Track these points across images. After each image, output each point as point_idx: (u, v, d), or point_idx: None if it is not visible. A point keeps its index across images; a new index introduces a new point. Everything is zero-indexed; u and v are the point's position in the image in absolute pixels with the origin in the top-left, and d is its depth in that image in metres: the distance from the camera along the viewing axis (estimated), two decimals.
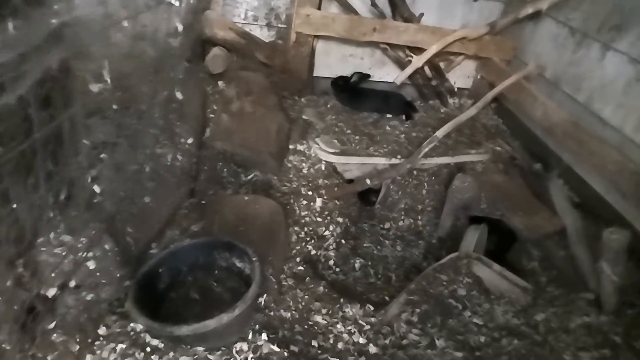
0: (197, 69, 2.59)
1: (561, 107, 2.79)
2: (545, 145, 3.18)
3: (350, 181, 2.94)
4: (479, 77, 3.72)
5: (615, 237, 1.77)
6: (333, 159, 2.79)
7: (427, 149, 2.80)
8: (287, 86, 3.18)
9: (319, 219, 2.42)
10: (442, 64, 3.61)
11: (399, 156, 2.93)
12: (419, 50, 3.33)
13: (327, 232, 2.38)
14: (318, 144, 2.86)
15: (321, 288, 1.87)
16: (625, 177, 2.24)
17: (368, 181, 2.67)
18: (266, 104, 2.61)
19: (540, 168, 3.17)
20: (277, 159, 2.50)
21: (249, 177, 2.47)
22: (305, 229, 2.31)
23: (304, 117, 3.18)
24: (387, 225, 2.83)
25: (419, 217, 2.89)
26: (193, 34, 2.39)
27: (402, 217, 2.89)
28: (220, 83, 2.74)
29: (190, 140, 2.04)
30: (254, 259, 1.52)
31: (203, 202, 2.19)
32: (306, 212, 2.42)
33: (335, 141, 2.94)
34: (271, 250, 1.89)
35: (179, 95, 1.99)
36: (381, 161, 2.87)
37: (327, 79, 3.59)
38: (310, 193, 2.55)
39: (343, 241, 2.39)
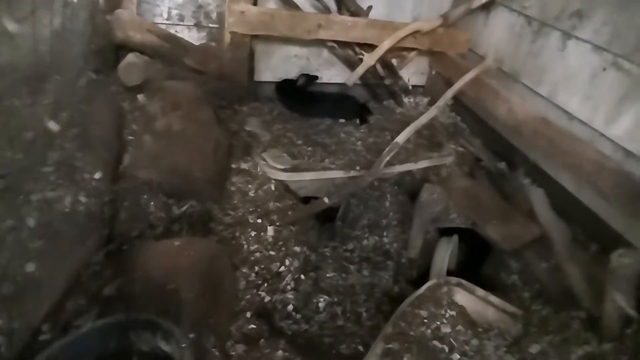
0: (108, 82, 2.09)
1: (526, 103, 2.56)
2: (509, 143, 2.96)
3: (306, 200, 2.56)
4: (433, 72, 3.46)
5: (627, 261, 1.51)
6: (283, 176, 2.39)
7: (388, 158, 2.47)
8: (225, 95, 2.74)
9: (272, 253, 2.02)
10: (394, 61, 3.31)
11: (357, 167, 2.58)
12: (369, 47, 3.00)
13: (282, 268, 1.98)
14: (265, 160, 2.46)
15: (280, 352, 1.48)
16: (604, 177, 2.03)
17: (326, 200, 2.30)
18: (199, 118, 2.16)
19: (505, 167, 2.95)
20: (216, 184, 2.07)
21: (183, 208, 2.02)
22: (257, 268, 1.91)
23: (246, 128, 2.76)
24: (350, 246, 2.48)
25: (385, 234, 2.56)
26: (98, 37, 1.90)
27: (366, 235, 2.54)
28: (140, 97, 2.25)
29: (98, 175, 1.57)
30: (182, 342, 1.10)
31: (124, 248, 1.72)
32: (256, 246, 2.01)
33: (285, 155, 2.55)
34: (213, 309, 1.47)
35: (80, 116, 1.51)
36: (339, 174, 2.52)
37: (271, 83, 3.18)
38: (259, 221, 2.14)
39: (302, 276, 2.00)
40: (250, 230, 2.07)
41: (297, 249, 2.16)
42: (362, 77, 3.27)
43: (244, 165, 2.40)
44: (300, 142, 2.72)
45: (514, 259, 2.31)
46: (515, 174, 2.86)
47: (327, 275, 2.18)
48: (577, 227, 2.33)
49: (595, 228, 2.33)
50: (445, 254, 2.38)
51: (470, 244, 2.57)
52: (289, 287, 1.90)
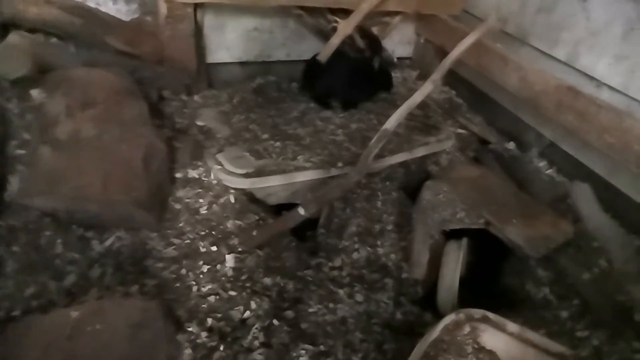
0: None
1: (544, 70, 2.02)
2: (518, 119, 2.44)
3: (279, 208, 2.01)
4: (422, 41, 2.89)
5: None
6: (245, 184, 1.83)
7: (377, 149, 1.92)
8: (167, 83, 2.14)
9: (232, 293, 1.47)
10: (375, 29, 2.72)
11: (340, 163, 2.03)
12: (344, 14, 2.41)
13: (248, 314, 1.44)
14: (221, 165, 1.88)
15: None
16: None
17: (302, 211, 1.75)
18: (121, 118, 1.57)
19: (514, 148, 2.44)
20: (151, 205, 1.50)
21: (107, 243, 1.44)
22: (210, 320, 1.36)
23: (199, 123, 2.16)
24: (337, 263, 1.94)
25: (379, 243, 2.03)
26: None
27: (357, 246, 2.02)
28: (34, 93, 1.63)
29: None
30: None
31: (11, 320, 1.15)
32: (210, 286, 1.46)
33: (247, 155, 1.97)
34: None
35: None
36: (317, 175, 1.96)
37: (228, 65, 2.57)
38: (214, 249, 1.59)
39: (276, 321, 1.46)
40: (201, 263, 1.52)
41: (268, 280, 1.61)
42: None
43: (192, 173, 1.83)
44: (266, 136, 2.14)
45: (542, 266, 1.82)
46: (528, 155, 2.35)
47: (310, 310, 1.64)
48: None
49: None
50: (455, 264, 1.87)
51: (482, 243, 2.07)
52: (257, 343, 1.36)
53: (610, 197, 1.97)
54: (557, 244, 1.72)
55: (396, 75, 2.89)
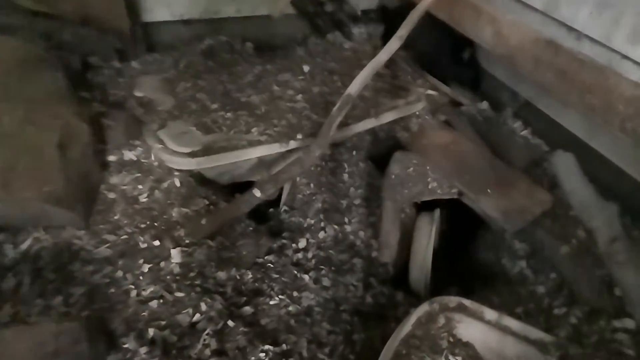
0: None
1: (519, 22, 1.81)
2: (492, 77, 2.26)
3: (234, 188, 1.80)
4: None
5: None
6: (191, 164, 1.59)
7: (340, 117, 1.70)
8: (95, 47, 1.81)
9: (179, 294, 1.28)
10: None
11: (299, 135, 1.80)
12: None
13: (198, 316, 1.26)
14: (163, 143, 1.63)
15: None
16: None
17: (257, 193, 1.55)
18: (27, 94, 1.28)
19: (488, 108, 2.27)
20: (72, 200, 1.25)
21: (23, 247, 1.20)
22: (152, 331, 1.17)
23: (137, 94, 1.87)
24: (302, 244, 1.78)
25: (346, 219, 1.87)
26: None
27: (323, 224, 1.85)
28: None
29: None
30: None
31: None
32: (152, 289, 1.26)
33: (194, 129, 1.72)
34: None
35: None
36: (273, 150, 1.74)
37: (170, 24, 2.24)
38: (157, 243, 1.38)
39: (231, 322, 1.29)
40: (141, 262, 1.31)
41: (222, 274, 1.43)
42: (296, 5, 2.39)
43: (129, 155, 1.57)
44: (216, 105, 1.88)
45: (519, 238, 1.70)
46: (503, 116, 2.20)
47: (271, 302, 1.48)
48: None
49: (618, 184, 1.74)
50: (427, 240, 1.74)
51: (456, 211, 1.94)
52: (208, 352, 1.19)
53: (589, 160, 1.85)
54: (534, 216, 1.59)
55: (361, 30, 2.61)
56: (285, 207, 1.92)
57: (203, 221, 1.46)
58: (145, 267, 1.30)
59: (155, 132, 1.66)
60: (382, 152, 2.14)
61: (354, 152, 2.04)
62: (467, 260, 1.93)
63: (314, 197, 1.92)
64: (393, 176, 1.63)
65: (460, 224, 1.97)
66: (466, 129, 2.05)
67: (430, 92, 2.23)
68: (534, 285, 1.59)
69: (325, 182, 1.95)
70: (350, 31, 2.59)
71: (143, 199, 1.48)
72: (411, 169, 1.62)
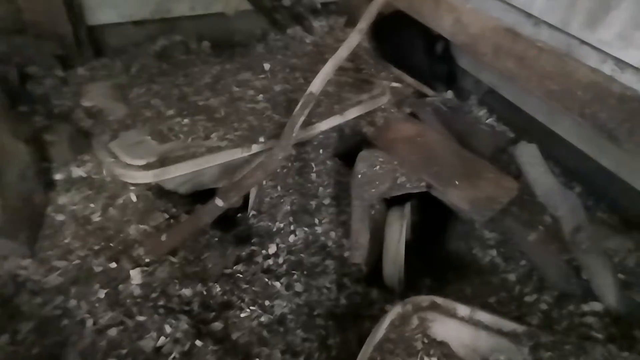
0: None
1: (478, 10, 1.78)
2: (455, 65, 2.24)
3: (196, 197, 1.71)
4: None
5: None
6: (147, 177, 1.49)
7: (303, 117, 1.64)
8: (32, 56, 1.67)
9: (140, 318, 1.21)
10: None
11: (262, 138, 1.73)
12: None
13: (163, 340, 1.19)
14: (115, 156, 1.52)
15: None
16: (610, 107, 1.37)
17: (220, 202, 1.47)
18: None
19: (453, 97, 2.25)
20: (11, 227, 1.14)
21: None
22: None
23: (84, 103, 1.75)
24: (272, 249, 1.72)
25: (316, 220, 1.83)
26: None
27: (292, 227, 1.80)
28: None
29: None
30: None
31: None
32: (110, 315, 1.18)
33: (149, 139, 1.62)
34: None
35: None
36: (234, 156, 1.66)
37: (119, 26, 2.11)
38: (114, 265, 1.29)
39: (199, 342, 1.22)
40: (97, 287, 1.22)
41: (187, 291, 1.35)
42: (251, 0, 2.30)
43: (78, 172, 1.47)
44: (172, 111, 1.78)
45: (489, 227, 1.70)
46: (468, 104, 2.18)
47: (242, 315, 1.42)
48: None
49: (581, 167, 1.76)
50: (399, 235, 1.71)
51: (427, 202, 1.93)
52: None
53: (551, 144, 1.86)
54: (502, 205, 1.58)
55: (322, 23, 2.54)
56: (253, 212, 1.86)
57: (163, 237, 1.38)
58: (102, 293, 1.21)
59: (106, 145, 1.55)
60: (350, 148, 2.09)
61: (321, 151, 1.99)
62: (440, 251, 1.92)
63: (281, 200, 1.86)
64: (359, 175, 1.58)
65: (432, 213, 1.95)
66: (432, 120, 2.02)
67: (394, 84, 2.19)
68: (505, 274, 1.59)
69: (292, 183, 1.89)
70: (311, 25, 2.51)
71: (96, 218, 1.38)
72: (377, 167, 1.57)
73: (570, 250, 1.33)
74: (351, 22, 2.53)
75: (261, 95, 1.97)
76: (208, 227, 1.56)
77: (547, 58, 1.52)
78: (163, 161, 1.53)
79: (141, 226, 1.39)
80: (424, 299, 1.24)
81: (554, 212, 1.32)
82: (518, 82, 1.61)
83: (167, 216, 1.47)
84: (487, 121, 2.11)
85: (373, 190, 1.57)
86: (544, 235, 1.51)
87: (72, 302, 1.18)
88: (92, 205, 1.40)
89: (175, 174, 1.53)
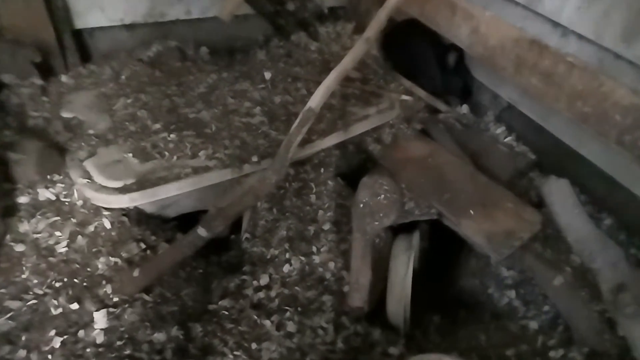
0: None
1: (498, 18, 1.57)
2: (471, 77, 2.03)
3: (181, 225, 1.53)
4: None
5: None
6: (123, 201, 1.32)
7: (301, 136, 1.46)
8: (9, 63, 1.52)
9: None
10: None
11: (255, 157, 1.55)
12: None
13: None
14: (89, 176, 1.35)
15: None
16: None
17: (203, 232, 1.29)
18: None
19: (468, 112, 2.05)
20: None
21: None
22: None
23: (64, 115, 1.59)
24: (264, 280, 1.53)
25: (314, 248, 1.63)
26: None
27: (288, 255, 1.60)
28: None
29: None
30: None
31: None
32: None
33: (129, 157, 1.45)
34: None
35: None
36: (224, 176, 1.48)
37: (109, 30, 1.95)
38: (75, 306, 1.11)
39: None
40: (52, 333, 1.05)
41: (160, 336, 1.17)
42: (254, 4, 2.12)
43: (46, 194, 1.30)
44: (158, 125, 1.61)
45: (506, 264, 1.49)
46: (484, 121, 1.98)
47: None
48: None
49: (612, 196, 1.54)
50: (406, 270, 1.51)
51: (437, 228, 1.73)
52: None
53: (577, 168, 1.65)
54: (522, 241, 1.37)
55: (328, 29, 2.35)
56: (247, 235, 1.67)
57: (136, 272, 1.20)
58: (57, 341, 1.04)
59: (81, 163, 1.39)
60: (353, 166, 1.90)
61: (322, 170, 1.80)
62: (449, 284, 1.72)
63: (277, 224, 1.67)
64: (361, 205, 1.39)
65: (441, 240, 1.75)
66: (445, 139, 1.82)
67: (404, 97, 1.99)
68: (525, 320, 1.38)
69: (290, 205, 1.70)
70: (317, 31, 2.33)
71: (61, 249, 1.21)
72: (382, 196, 1.38)
73: (609, 311, 1.12)
74: (360, 29, 2.34)
75: (258, 108, 1.79)
76: (190, 257, 1.38)
77: (579, 75, 1.31)
78: (142, 183, 1.36)
79: (112, 259, 1.22)
80: (432, 358, 1.04)
81: (590, 263, 1.11)
82: (544, 101, 1.40)
83: (143, 246, 1.29)
84: (505, 140, 1.90)
85: (376, 223, 1.37)
86: (572, 279, 1.29)
87: (21, 354, 1.01)
88: (58, 233, 1.23)
89: (154, 199, 1.36)
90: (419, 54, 2.11)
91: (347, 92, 1.97)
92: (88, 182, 1.32)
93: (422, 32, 1.99)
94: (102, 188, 1.32)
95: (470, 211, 1.50)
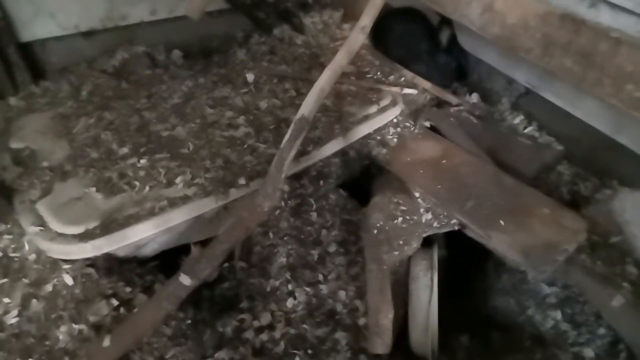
0: None
1: None
2: (478, 60, 1.79)
3: (163, 264, 1.29)
4: None
5: None
6: (85, 250, 1.07)
7: (294, 150, 1.21)
8: None
9: None
10: None
11: (241, 180, 1.30)
12: None
13: None
14: (42, 222, 1.10)
15: None
16: None
17: (186, 280, 1.05)
18: None
19: (479, 101, 1.81)
20: None
21: None
22: None
23: (13, 145, 1.33)
24: (265, 319, 1.31)
25: (320, 276, 1.40)
26: None
27: (290, 287, 1.38)
28: None
29: None
30: None
31: None
32: None
33: (92, 191, 1.20)
34: None
35: None
36: (207, 205, 1.24)
37: (64, 39, 1.68)
38: None
39: None
40: None
41: None
42: None
43: None
44: (126, 149, 1.36)
45: (546, 278, 1.26)
46: (499, 109, 1.74)
47: None
48: None
49: None
50: (429, 291, 1.28)
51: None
52: None
53: (614, 159, 1.42)
54: (567, 254, 1.15)
55: (314, 20, 2.09)
56: (241, 264, 1.44)
57: (106, 341, 0.96)
58: None
59: (32, 205, 1.13)
60: (356, 174, 1.67)
61: (321, 182, 1.56)
62: (475, 301, 1.49)
63: (275, 250, 1.44)
64: (375, 230, 1.15)
65: (467, 250, 1.52)
66: (458, 135, 1.58)
67: (407, 91, 1.74)
68: (577, 347, 1.16)
69: (287, 227, 1.47)
70: (302, 22, 2.08)
71: (11, 319, 0.96)
72: (399, 219, 1.13)
73: None
74: (350, 16, 2.09)
75: (242, 117, 1.54)
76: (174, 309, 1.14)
77: (627, 54, 1.07)
78: (108, 225, 1.11)
79: (75, 326, 0.97)
80: None
81: None
82: (583, 87, 1.16)
83: (115, 303, 1.05)
84: (525, 131, 1.66)
85: (396, 252, 1.13)
86: (632, 296, 1.07)
87: None
88: (6, 300, 0.98)
89: (125, 243, 1.11)
90: (406, 36, 1.88)
91: (342, 90, 1.72)
92: (41, 230, 1.07)
93: (406, 11, 1.77)
94: (58, 236, 1.07)
95: (500, 221, 1.26)
